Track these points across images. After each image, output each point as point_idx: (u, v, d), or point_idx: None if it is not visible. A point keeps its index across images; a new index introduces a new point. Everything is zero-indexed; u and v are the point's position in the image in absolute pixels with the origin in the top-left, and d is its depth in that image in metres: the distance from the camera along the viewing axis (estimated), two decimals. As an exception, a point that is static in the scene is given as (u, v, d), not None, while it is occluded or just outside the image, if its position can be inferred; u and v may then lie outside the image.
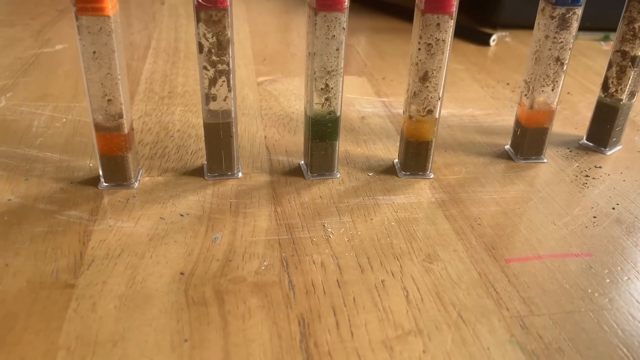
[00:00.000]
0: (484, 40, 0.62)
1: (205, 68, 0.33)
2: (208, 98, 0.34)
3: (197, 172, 0.37)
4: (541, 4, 0.36)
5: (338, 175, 0.37)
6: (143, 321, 0.26)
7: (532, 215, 0.34)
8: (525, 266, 0.30)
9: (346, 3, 0.32)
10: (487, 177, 0.38)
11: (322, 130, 0.36)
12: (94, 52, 0.31)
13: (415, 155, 0.37)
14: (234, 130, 0.35)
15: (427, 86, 0.35)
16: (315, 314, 0.26)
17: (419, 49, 0.34)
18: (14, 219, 0.32)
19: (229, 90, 0.34)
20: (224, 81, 0.33)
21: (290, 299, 0.27)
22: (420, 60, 0.34)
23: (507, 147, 0.42)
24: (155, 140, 0.40)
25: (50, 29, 0.62)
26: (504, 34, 0.66)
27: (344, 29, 0.33)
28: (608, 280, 0.29)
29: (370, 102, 0.48)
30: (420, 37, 0.33)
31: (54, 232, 0.31)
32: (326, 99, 0.35)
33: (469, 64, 0.57)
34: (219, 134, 0.35)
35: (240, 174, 0.37)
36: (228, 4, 0.31)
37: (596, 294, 0.28)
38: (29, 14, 0.66)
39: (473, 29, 0.64)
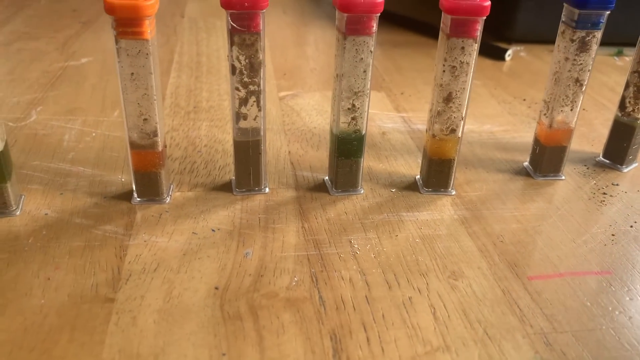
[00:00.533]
0: (499, 55, 0.63)
1: (237, 89, 0.34)
2: (239, 117, 0.35)
3: (226, 188, 0.38)
4: (561, 27, 0.38)
5: (362, 192, 0.39)
6: (182, 335, 0.27)
7: (552, 233, 0.35)
8: (547, 283, 0.31)
9: (374, 27, 0.33)
10: (507, 194, 0.39)
11: (348, 148, 0.37)
12: (132, 74, 0.32)
13: (437, 173, 0.38)
14: (262, 147, 0.36)
15: (451, 106, 0.36)
16: (347, 329, 0.27)
17: (444, 71, 0.35)
18: (52, 233, 0.33)
19: (259, 110, 0.35)
20: (254, 101, 0.34)
21: (321, 314, 0.28)
22: (444, 81, 0.35)
23: (526, 163, 0.43)
24: (184, 156, 0.42)
25: (75, 41, 0.64)
26: (518, 48, 0.67)
27: (371, 52, 0.34)
28: (628, 298, 0.30)
29: (390, 117, 0.49)
30: (445, 60, 0.34)
31: (91, 247, 0.32)
32: (352, 118, 0.36)
33: (485, 79, 0.58)
34: (249, 152, 0.36)
35: (267, 190, 0.38)
36: (261, 28, 0.32)
37: (617, 312, 0.29)
38: (53, 27, 0.68)
39: (488, 44, 0.65)
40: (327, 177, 0.40)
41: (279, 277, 0.30)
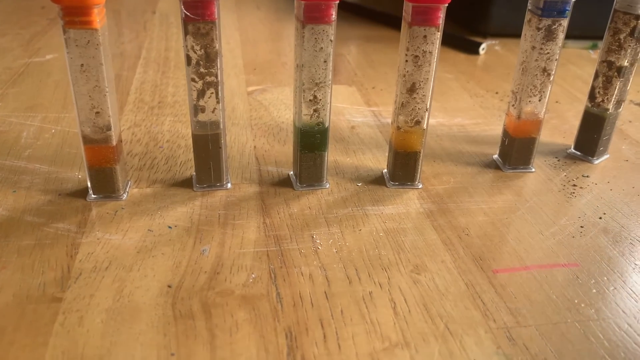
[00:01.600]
0: (473, 49, 0.63)
1: (193, 80, 0.33)
2: (197, 110, 0.34)
3: (186, 184, 0.37)
4: (527, 15, 0.37)
5: (327, 186, 0.38)
6: (130, 335, 0.25)
7: (519, 226, 0.34)
8: (512, 277, 0.30)
9: (333, 16, 0.32)
10: (475, 187, 0.38)
11: (311, 141, 0.36)
12: (82, 65, 0.31)
13: (403, 166, 0.37)
14: (222, 141, 0.35)
15: (415, 97, 0.35)
16: (303, 326, 0.26)
17: (406, 60, 0.34)
18: (0, 232, 0.32)
19: (218, 102, 0.34)
20: (212, 93, 0.33)
21: (277, 311, 0.27)
22: (407, 72, 0.34)
23: (495, 156, 0.42)
24: (145, 151, 0.40)
25: (41, 38, 0.62)
26: (493, 42, 0.67)
27: (331, 41, 0.33)
28: (594, 291, 0.29)
29: (360, 111, 0.48)
30: (407, 49, 0.34)
31: (42, 245, 0.31)
32: (314, 110, 0.35)
33: (458, 73, 0.58)
34: (208, 146, 0.35)
35: (229, 185, 0.37)
36: (216, 16, 0.31)
37: (582, 305, 0.28)
38: (20, 24, 0.66)
39: (462, 38, 0.64)
40: (291, 172, 0.39)
41: (235, 274, 0.29)
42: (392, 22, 0.70)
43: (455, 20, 0.71)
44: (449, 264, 0.31)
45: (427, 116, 0.36)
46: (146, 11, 0.74)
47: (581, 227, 0.34)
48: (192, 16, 0.31)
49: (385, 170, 0.39)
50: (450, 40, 0.65)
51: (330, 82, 0.34)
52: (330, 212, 0.35)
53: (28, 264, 0.29)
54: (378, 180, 0.38)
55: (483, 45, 0.63)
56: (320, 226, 0.33)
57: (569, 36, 0.58)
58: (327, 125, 0.36)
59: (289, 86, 0.52)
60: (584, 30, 0.63)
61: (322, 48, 0.33)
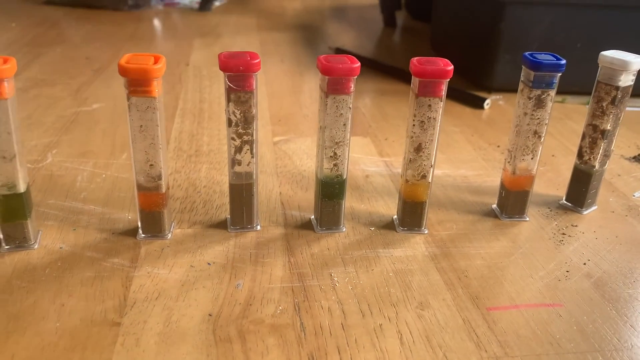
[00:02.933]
0: (478, 104, 0.69)
1: (233, 139, 0.39)
2: (234, 163, 0.40)
3: (222, 225, 0.42)
4: (520, 86, 0.42)
5: (344, 230, 0.43)
6: (178, 355, 0.31)
7: (512, 269, 0.39)
8: (503, 314, 0.35)
9: (352, 88, 0.38)
10: (475, 233, 0.43)
11: (331, 191, 0.42)
12: (141, 126, 0.37)
13: (411, 214, 0.43)
14: (254, 189, 0.41)
15: (421, 155, 0.41)
16: (323, 352, 0.31)
17: (414, 125, 0.40)
18: (66, 265, 0.37)
19: (252, 157, 0.39)
20: (248, 149, 0.39)
21: (301, 339, 0.32)
22: (414, 134, 0.40)
23: (494, 206, 0.47)
24: (185, 196, 0.46)
25: (88, 88, 0.69)
26: (497, 97, 0.72)
27: (350, 108, 0.39)
28: (574, 328, 0.34)
29: (373, 161, 0.54)
30: (415, 116, 0.39)
31: (101, 277, 0.36)
32: (334, 165, 0.41)
33: (463, 127, 0.63)
34: (242, 193, 0.41)
35: (258, 227, 0.42)
36: (254, 87, 0.37)
37: (563, 340, 0.33)
38: (68, 74, 0.74)
39: (468, 93, 0.70)
40: (312, 216, 0.44)
41: (265, 306, 0.34)
42: (404, 76, 0.77)
43: (463, 75, 0.77)
44: (449, 301, 0.36)
45: (432, 171, 0.41)
46: (180, 62, 0.81)
47: (567, 271, 0.39)
48: (234, 87, 0.37)
49: (395, 216, 0.45)
50: (457, 95, 0.70)
51: (348, 141, 0.40)
52: (346, 253, 0.40)
53: (90, 293, 0.35)
54: (389, 225, 0.44)
55: (487, 101, 0.69)
56: (337, 265, 0.39)
57: (568, 92, 0.65)
58: (344, 177, 0.41)
59: (310, 137, 0.58)
60: (583, 86, 0.69)
61: (342, 114, 0.39)
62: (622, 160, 0.57)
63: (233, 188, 0.41)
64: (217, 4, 1.18)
